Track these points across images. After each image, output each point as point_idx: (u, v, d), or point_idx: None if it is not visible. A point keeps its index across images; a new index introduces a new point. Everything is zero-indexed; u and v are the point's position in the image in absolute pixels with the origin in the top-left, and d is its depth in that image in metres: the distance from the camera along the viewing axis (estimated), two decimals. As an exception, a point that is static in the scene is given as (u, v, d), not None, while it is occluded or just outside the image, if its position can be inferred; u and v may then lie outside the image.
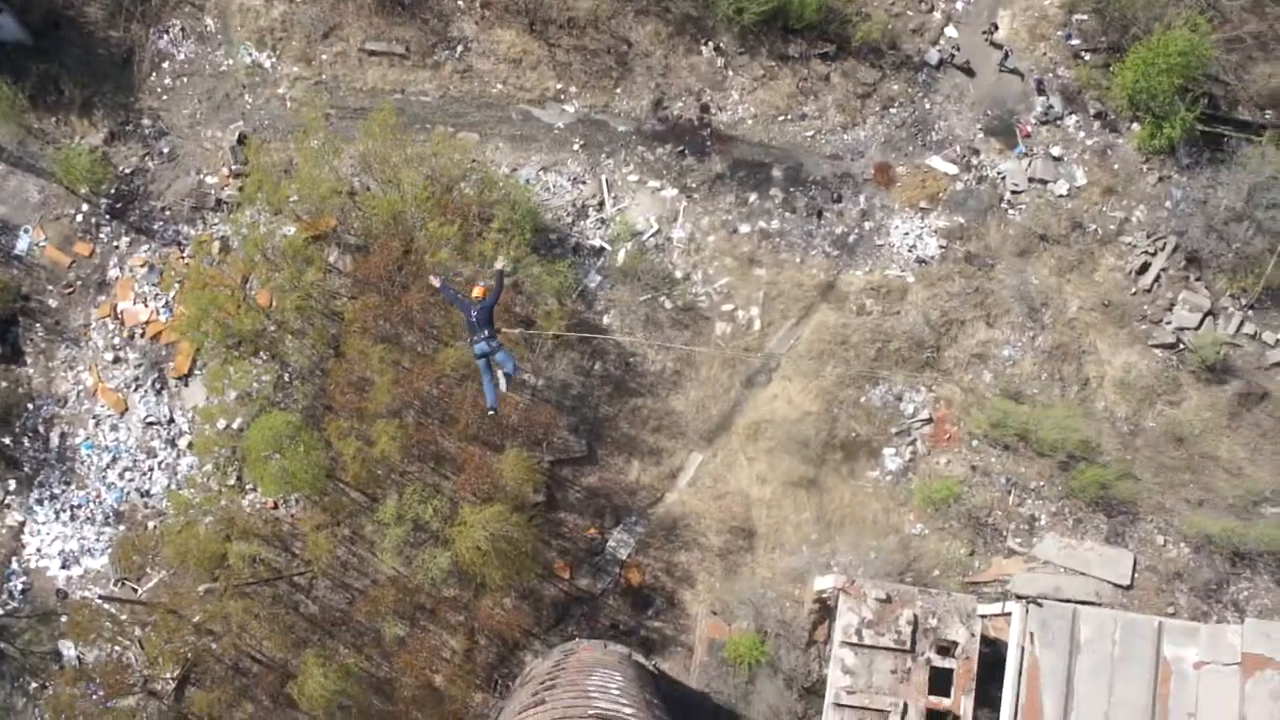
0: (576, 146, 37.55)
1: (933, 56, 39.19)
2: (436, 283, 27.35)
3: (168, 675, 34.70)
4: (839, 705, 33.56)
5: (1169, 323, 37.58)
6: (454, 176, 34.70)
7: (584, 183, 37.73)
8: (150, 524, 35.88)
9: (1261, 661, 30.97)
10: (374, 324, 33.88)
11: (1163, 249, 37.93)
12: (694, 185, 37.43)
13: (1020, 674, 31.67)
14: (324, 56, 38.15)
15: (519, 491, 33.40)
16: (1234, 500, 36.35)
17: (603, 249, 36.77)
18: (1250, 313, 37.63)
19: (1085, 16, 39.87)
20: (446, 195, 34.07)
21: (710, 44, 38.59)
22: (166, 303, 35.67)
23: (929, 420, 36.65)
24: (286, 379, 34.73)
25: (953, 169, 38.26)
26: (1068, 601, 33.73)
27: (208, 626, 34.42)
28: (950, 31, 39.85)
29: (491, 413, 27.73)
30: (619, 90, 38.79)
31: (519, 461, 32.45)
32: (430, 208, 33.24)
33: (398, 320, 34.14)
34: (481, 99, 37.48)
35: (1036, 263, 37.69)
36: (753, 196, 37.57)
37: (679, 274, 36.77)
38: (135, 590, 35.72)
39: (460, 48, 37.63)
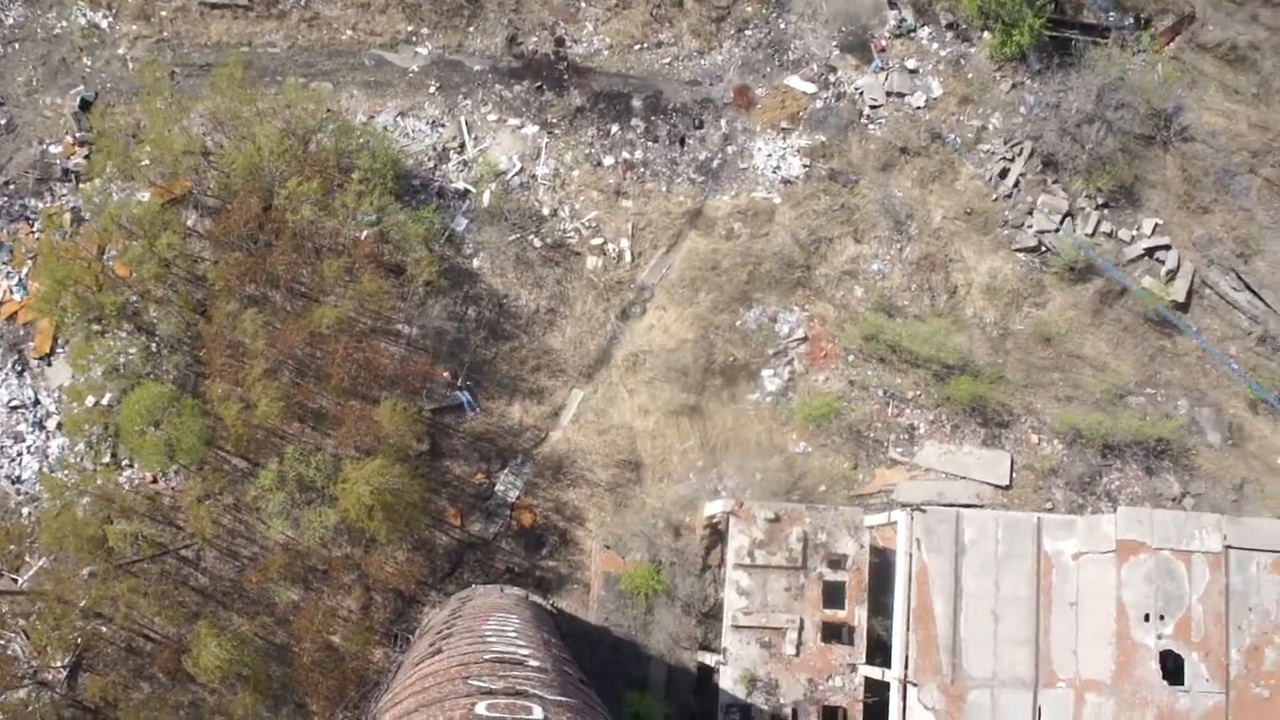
0: (433, 89, 43.15)
1: (777, -27, 46.10)
2: None
3: (58, 663, 37.82)
4: (737, 627, 38.97)
5: (1030, 226, 44.65)
6: (310, 128, 39.56)
7: (443, 125, 43.87)
8: (25, 510, 40.41)
9: (1134, 547, 37.26)
10: (240, 285, 39.68)
11: (1020, 154, 44.95)
12: (554, 121, 43.27)
13: (910, 579, 37.64)
14: (163, 13, 42.52)
15: (401, 443, 38.80)
16: (1100, 395, 43.39)
17: (467, 191, 42.39)
18: (1106, 212, 45.54)
19: (925, -72, 48.62)
20: (303, 148, 38.99)
21: (556, -28, 46.07)
22: (19, 281, 39.88)
23: (804, 339, 43.24)
24: (155, 349, 39.31)
25: (811, 88, 44.97)
26: (950, 506, 40.28)
27: (95, 610, 37.73)
28: (789, -46, 47.32)
29: None
30: (471, 29, 44.51)
31: (396, 412, 37.39)
32: (288, 162, 38.07)
33: (264, 280, 40.34)
34: (331, 47, 42.80)
35: (899, 176, 44.67)
36: (614, 128, 43.62)
37: (546, 211, 42.64)
38: (15, 581, 39.71)
39: None
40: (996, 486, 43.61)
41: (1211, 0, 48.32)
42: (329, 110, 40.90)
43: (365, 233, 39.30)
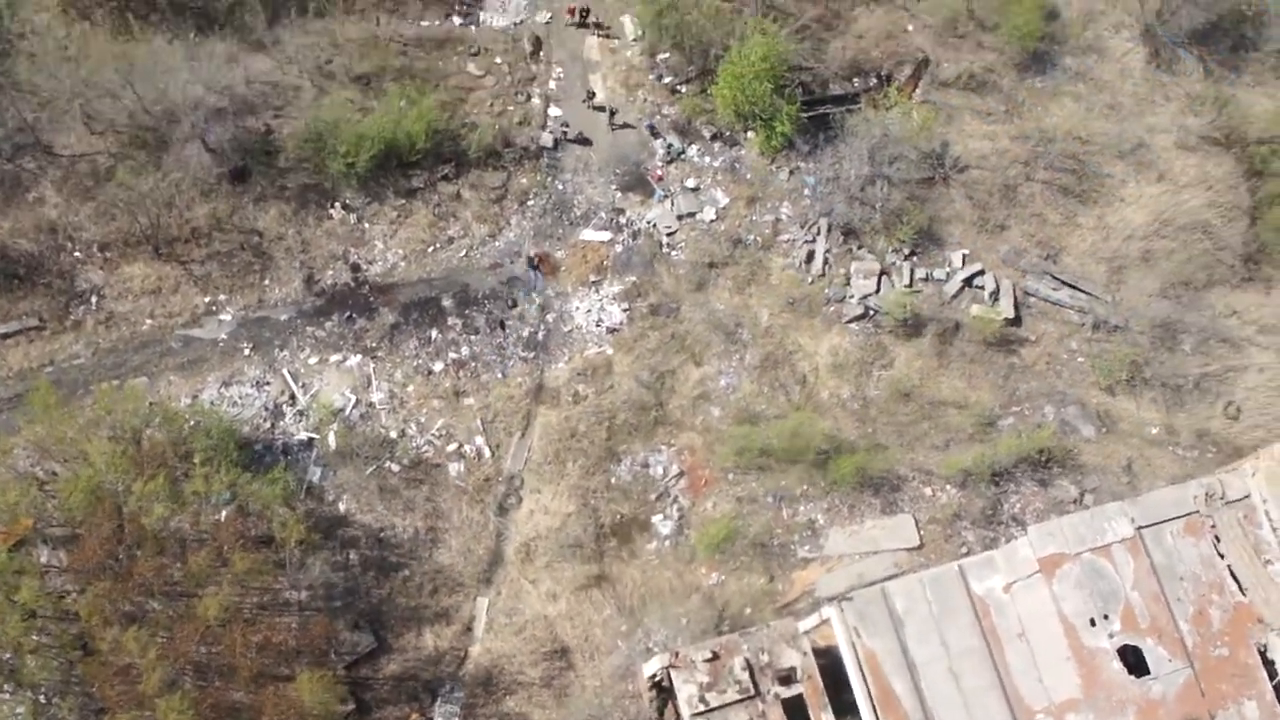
0: (247, 351, 49.52)
1: (547, 140, 54.67)
2: None
3: None
4: (712, 772, 48.80)
5: (852, 297, 53.20)
6: (137, 427, 44.50)
7: (268, 383, 50.44)
8: None
9: (1056, 560, 45.10)
10: (113, 608, 46.19)
11: (819, 233, 54.00)
12: (374, 344, 50.13)
13: (861, 669, 44.14)
14: (-44, 360, 50.69)
15: (327, 711, 42.87)
16: (973, 429, 51.64)
17: (311, 440, 48.44)
18: (916, 259, 54.90)
19: (668, 54, 56.87)
20: (137, 449, 44.09)
21: (337, 204, 52.26)
22: None
23: (681, 474, 50.21)
24: (44, 700, 43.04)
25: (606, 235, 53.61)
26: (874, 584, 47.18)
27: None
28: (554, 111, 55.93)
29: None
30: (267, 281, 51.33)
31: (313, 682, 41.68)
32: (126, 468, 42.76)
33: (137, 593, 46.60)
34: (135, 340, 48.87)
35: (716, 290, 53.16)
36: (434, 333, 50.84)
37: (394, 434, 49.01)
38: None
39: (94, 298, 49.36)
40: (910, 549, 51.29)
41: (938, 41, 62.20)
42: (151, 403, 47.17)
43: (224, 513, 46.80)
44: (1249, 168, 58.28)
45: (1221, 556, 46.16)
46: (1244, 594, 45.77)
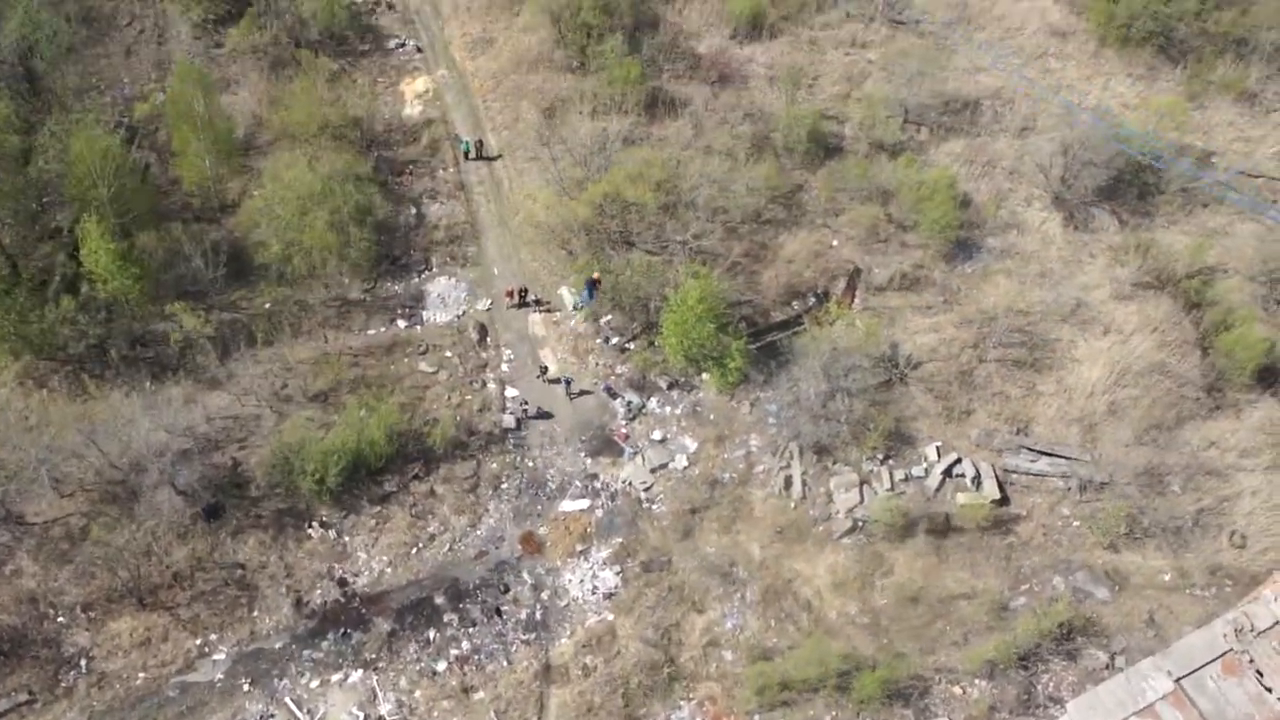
0: (246, 686, 51.64)
1: (509, 421, 59.57)
2: None
3: None
4: None
5: (838, 512, 57.37)
6: None
7: (273, 715, 51.15)
8: None
9: None
10: None
11: (792, 457, 58.49)
12: (373, 656, 52.61)
13: None
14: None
15: None
16: (987, 618, 54.04)
17: None
18: (892, 462, 59.32)
19: (610, 316, 62.32)
20: None
21: (314, 523, 55.84)
22: None
23: None
24: None
25: (585, 503, 57.65)
26: None
27: None
28: (511, 392, 61.17)
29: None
30: (256, 612, 54.10)
31: None
32: None
33: None
34: (131, 696, 51.06)
35: (703, 534, 56.73)
36: (432, 633, 53.70)
37: None
38: None
39: (83, 661, 51.79)
40: None
41: (864, 250, 69.69)
42: None
43: None
44: (1186, 302, 64.75)
45: (1269, 690, 48.16)
46: None
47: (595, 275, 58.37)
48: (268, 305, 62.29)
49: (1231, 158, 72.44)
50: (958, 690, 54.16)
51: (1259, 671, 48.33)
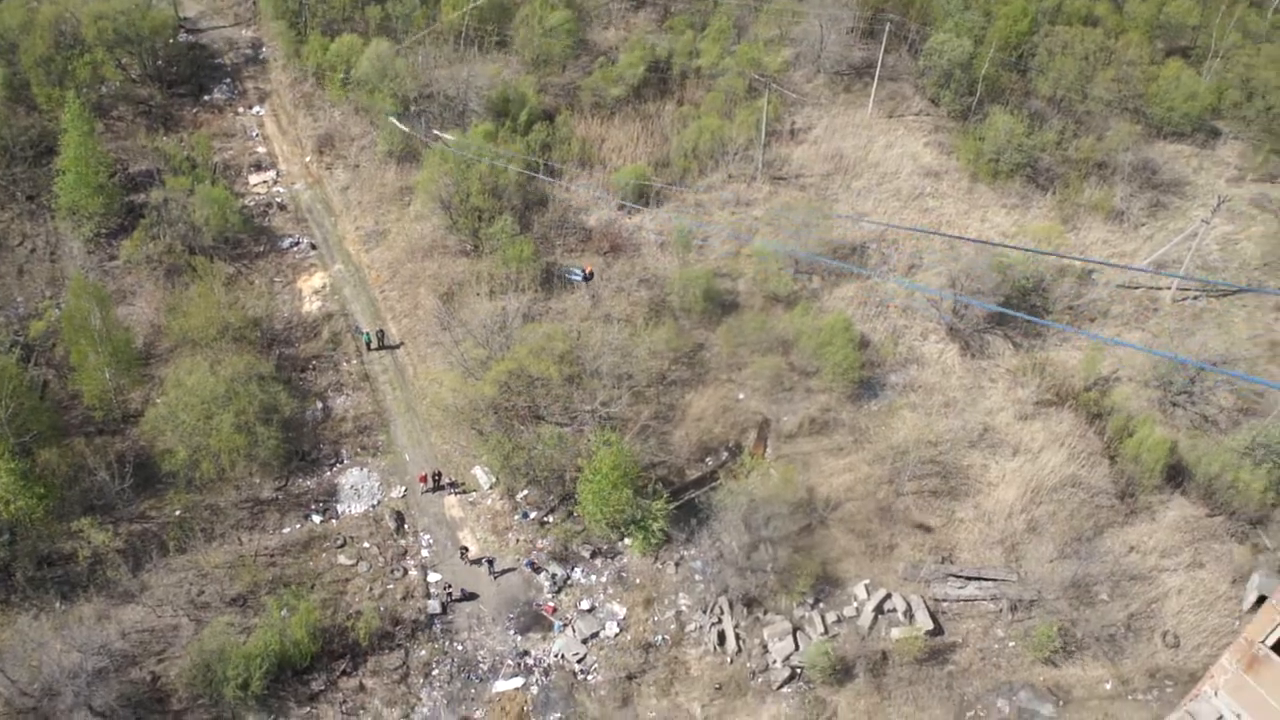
0: None
1: (434, 607, 59.25)
2: None
3: None
4: None
5: (774, 661, 59.42)
6: None
7: None
8: None
9: None
10: None
11: (723, 612, 59.71)
12: None
13: None
14: None
15: None
16: None
17: None
18: (823, 605, 62.64)
19: (526, 491, 63.10)
20: None
21: (240, 741, 59.06)
22: None
23: None
24: None
25: (518, 681, 57.19)
26: None
27: None
28: (433, 576, 60.99)
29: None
30: None
31: None
32: None
33: None
34: None
35: (642, 699, 56.38)
36: None
37: None
38: None
39: None
40: None
41: (771, 399, 71.72)
42: None
43: None
44: (1088, 414, 67.50)
45: None
46: None
47: (588, 268, 58.36)
48: (178, 512, 62.19)
49: (1110, 272, 76.27)
50: (919, 830, 53.31)
51: (1214, 767, 47.20)
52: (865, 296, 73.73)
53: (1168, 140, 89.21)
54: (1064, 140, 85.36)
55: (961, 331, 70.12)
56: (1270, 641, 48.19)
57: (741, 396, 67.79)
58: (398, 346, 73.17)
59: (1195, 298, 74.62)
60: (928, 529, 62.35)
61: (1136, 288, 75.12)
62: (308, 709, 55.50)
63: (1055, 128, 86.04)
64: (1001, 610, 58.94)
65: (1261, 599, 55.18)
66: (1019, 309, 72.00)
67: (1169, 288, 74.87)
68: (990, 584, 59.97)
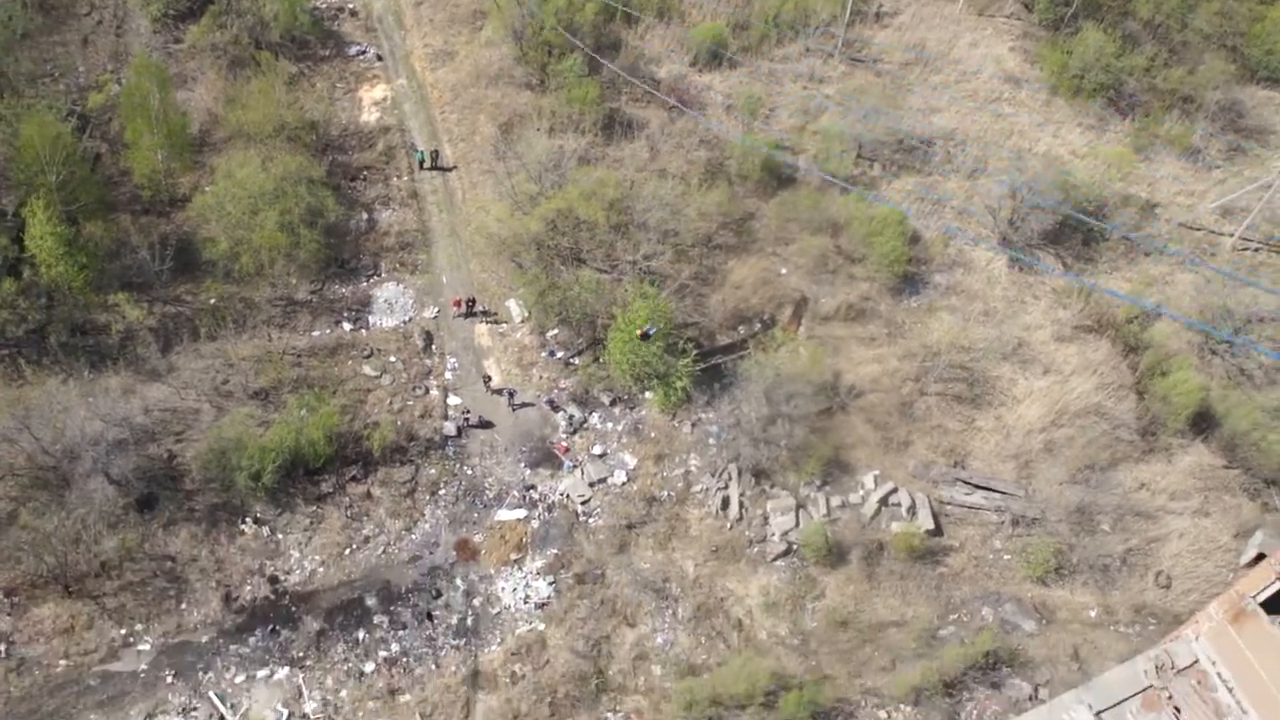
0: (170, 678, 52.56)
1: (450, 429, 61.15)
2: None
3: None
4: None
5: (773, 534, 59.68)
6: None
7: (195, 709, 52.50)
8: None
9: None
10: None
11: (730, 479, 60.99)
12: (301, 654, 53.63)
13: None
14: None
15: None
16: (915, 645, 56.04)
17: None
18: (829, 488, 62.04)
19: (556, 330, 64.31)
20: None
21: (248, 519, 57.19)
22: None
23: None
24: None
25: (521, 513, 59.25)
26: None
27: None
28: (454, 400, 62.82)
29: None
30: (184, 605, 54.44)
31: None
32: None
33: None
34: (50, 683, 51.82)
35: (638, 550, 58.36)
36: (361, 634, 54.61)
37: None
38: None
39: (3, 645, 52.61)
40: None
41: (812, 279, 72.37)
42: None
43: None
44: (1125, 347, 67.87)
45: None
46: None
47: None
48: (213, 301, 63.72)
49: (1174, 210, 75.82)
50: (883, 715, 56.25)
51: (1177, 708, 50.11)
52: (923, 193, 73.58)
53: (1261, 85, 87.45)
54: (1153, 68, 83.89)
55: (1014, 243, 70.06)
56: (1260, 598, 49.17)
57: (784, 271, 68.37)
58: (450, 169, 73.77)
59: (1256, 250, 74.13)
60: (945, 432, 62.98)
61: (1199, 229, 74.64)
62: (314, 508, 57.58)
63: (1147, 53, 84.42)
64: (1003, 523, 60.06)
65: (1260, 556, 56.18)
66: (1076, 231, 71.76)
67: (1231, 234, 74.30)
68: (997, 496, 61.02)
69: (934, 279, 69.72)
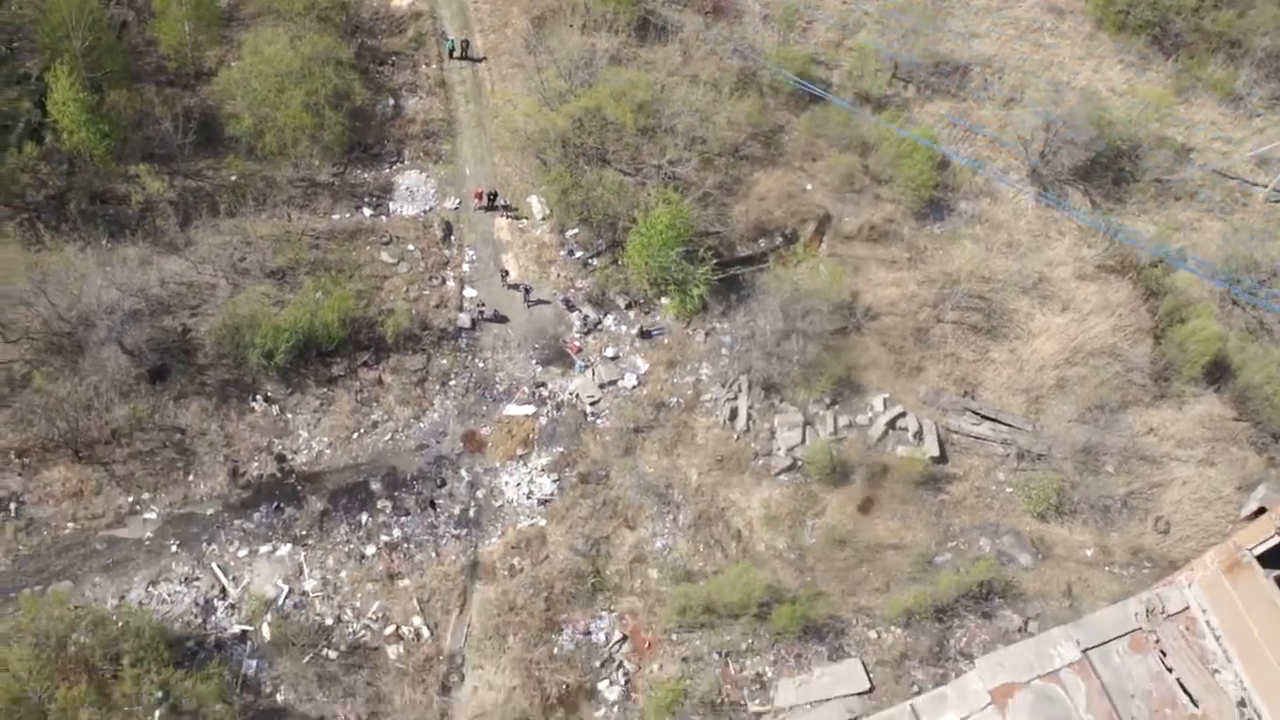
0: (174, 547, 53.60)
1: (465, 320, 61.44)
2: None
3: None
4: None
5: (779, 449, 59.90)
6: (62, 633, 47.91)
7: (198, 579, 53.61)
8: None
9: (1007, 690, 49.86)
10: None
11: (740, 390, 61.21)
12: (304, 533, 54.69)
13: None
14: None
15: None
16: (911, 569, 56.76)
17: (245, 632, 52.13)
18: (838, 407, 62.51)
19: (576, 230, 64.31)
20: (62, 654, 47.54)
21: (258, 397, 57.72)
22: None
23: (624, 639, 54.45)
24: None
25: (530, 409, 59.75)
26: None
27: None
28: (470, 292, 63.02)
29: None
30: (192, 477, 55.45)
31: None
32: (50, 675, 46.39)
33: None
34: (58, 544, 52.88)
35: (643, 454, 58.91)
36: (364, 517, 55.76)
37: (329, 621, 52.88)
38: None
39: (13, 505, 53.43)
40: (860, 694, 55.65)
41: (837, 197, 72.06)
42: (76, 608, 52.53)
43: (157, 714, 51.71)
44: (1146, 290, 67.70)
45: (1170, 670, 51.05)
46: (1196, 705, 50.53)
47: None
48: (234, 177, 63.75)
49: (1209, 155, 75.12)
50: (873, 634, 56.90)
51: (1163, 651, 51.20)
52: (955, 119, 72.93)
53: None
54: (1202, 8, 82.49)
55: (1043, 176, 69.57)
56: (1257, 551, 49.44)
57: (809, 187, 68.05)
58: (480, 60, 73.19)
59: (1290, 201, 73.45)
60: (958, 360, 63.08)
61: (1233, 179, 73.95)
62: (324, 390, 58.06)
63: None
64: (1008, 456, 60.44)
65: (1261, 510, 56.47)
66: (1107, 170, 71.18)
67: (1265, 185, 73.65)
68: (1004, 428, 61.31)
69: (960, 206, 69.40)
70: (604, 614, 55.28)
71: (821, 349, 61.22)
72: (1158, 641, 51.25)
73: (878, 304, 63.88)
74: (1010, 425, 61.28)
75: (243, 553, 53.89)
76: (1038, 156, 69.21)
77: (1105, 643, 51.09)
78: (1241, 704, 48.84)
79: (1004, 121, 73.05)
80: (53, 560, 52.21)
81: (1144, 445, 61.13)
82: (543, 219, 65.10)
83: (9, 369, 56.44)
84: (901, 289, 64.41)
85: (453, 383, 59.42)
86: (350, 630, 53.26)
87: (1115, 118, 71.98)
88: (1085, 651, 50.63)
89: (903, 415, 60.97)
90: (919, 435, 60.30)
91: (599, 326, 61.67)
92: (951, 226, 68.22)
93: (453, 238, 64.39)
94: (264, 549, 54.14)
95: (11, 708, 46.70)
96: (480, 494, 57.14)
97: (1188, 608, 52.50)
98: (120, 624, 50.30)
